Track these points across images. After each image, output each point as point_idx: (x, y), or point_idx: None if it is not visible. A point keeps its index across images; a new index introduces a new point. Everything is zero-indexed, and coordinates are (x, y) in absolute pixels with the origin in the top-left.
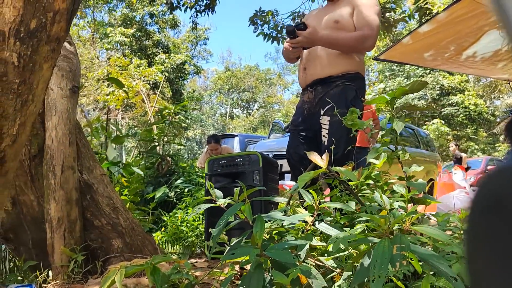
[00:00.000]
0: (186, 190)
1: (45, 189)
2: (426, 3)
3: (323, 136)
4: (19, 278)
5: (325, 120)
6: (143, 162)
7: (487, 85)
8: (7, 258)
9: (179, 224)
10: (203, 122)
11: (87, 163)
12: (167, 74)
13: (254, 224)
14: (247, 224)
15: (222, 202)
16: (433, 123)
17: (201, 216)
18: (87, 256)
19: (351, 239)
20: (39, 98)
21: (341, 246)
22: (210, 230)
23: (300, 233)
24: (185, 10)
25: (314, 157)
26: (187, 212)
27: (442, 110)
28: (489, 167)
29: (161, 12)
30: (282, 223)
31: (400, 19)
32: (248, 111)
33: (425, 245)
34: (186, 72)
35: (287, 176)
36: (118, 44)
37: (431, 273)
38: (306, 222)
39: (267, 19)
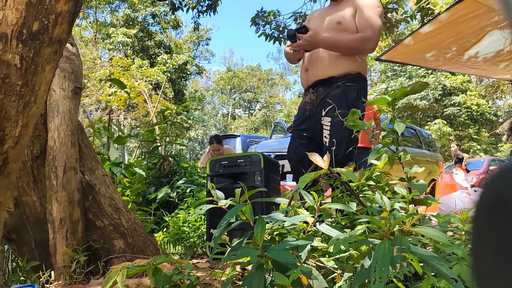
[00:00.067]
0: (188, 190)
1: (48, 190)
2: (428, 4)
3: (325, 137)
4: (22, 278)
5: (326, 121)
6: (145, 162)
7: (489, 85)
8: (10, 259)
9: (181, 224)
10: (205, 122)
11: (89, 164)
12: (169, 75)
13: (255, 225)
14: (248, 225)
15: (223, 203)
16: (435, 123)
17: (203, 217)
18: (89, 257)
19: (351, 240)
20: (41, 99)
21: (342, 247)
22: (211, 231)
23: (301, 234)
24: (187, 10)
25: (315, 158)
26: (189, 213)
27: (444, 110)
28: (491, 168)
29: (163, 13)
30: (283, 224)
31: (402, 19)
32: (250, 111)
33: (426, 246)
34: (188, 73)
35: (289, 177)
36: (120, 45)
37: (432, 274)
38: (307, 223)
39: (269, 20)
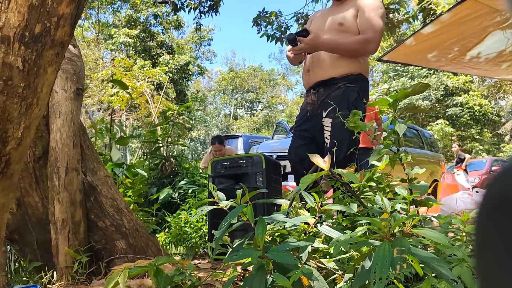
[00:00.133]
0: (190, 191)
1: (50, 190)
2: (430, 4)
3: (326, 138)
4: (24, 278)
5: (327, 122)
6: (147, 163)
7: (492, 85)
8: (12, 259)
9: (183, 225)
10: (207, 122)
11: (91, 164)
12: (171, 75)
13: (256, 226)
14: (249, 225)
15: (224, 204)
16: (437, 124)
17: (204, 217)
18: (91, 257)
19: (352, 242)
20: (43, 101)
21: (342, 248)
22: (213, 231)
23: (303, 235)
24: (189, 11)
25: (316, 159)
26: (191, 213)
27: (446, 110)
28: (493, 168)
29: (165, 13)
30: (284, 225)
31: (404, 20)
32: (252, 111)
33: (427, 247)
34: (190, 73)
35: (291, 177)
36: (123, 45)
37: (433, 275)
38: (308, 224)
39: (271, 20)
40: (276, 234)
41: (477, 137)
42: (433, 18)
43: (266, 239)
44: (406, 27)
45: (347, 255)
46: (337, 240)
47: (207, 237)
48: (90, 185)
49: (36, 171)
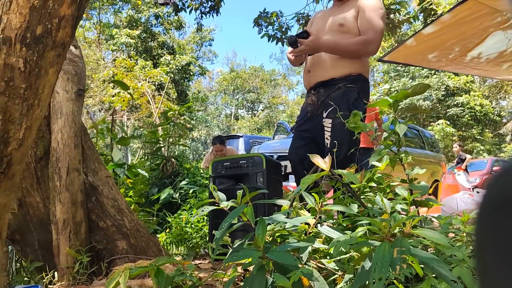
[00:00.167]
0: (191, 191)
1: (51, 191)
2: (431, 4)
3: (326, 138)
4: (26, 279)
5: (327, 123)
6: (148, 163)
7: (493, 85)
8: (14, 259)
9: (184, 225)
10: (208, 123)
11: (92, 165)
12: (172, 75)
13: (257, 227)
14: (250, 226)
15: (225, 205)
16: (438, 124)
17: (205, 217)
18: (92, 258)
19: (352, 242)
20: (45, 102)
21: (342, 249)
22: (213, 232)
23: (303, 235)
24: (190, 11)
25: (317, 159)
26: (192, 214)
27: (447, 110)
28: (494, 168)
29: (166, 14)
30: (285, 226)
31: (405, 20)
32: (253, 112)
33: (428, 247)
34: (191, 73)
35: (292, 177)
36: (124, 46)
37: (433, 275)
38: (308, 224)
39: (272, 21)
40: (277, 234)
41: (478, 137)
42: (434, 19)
43: (266, 240)
44: (407, 27)
45: (347, 255)
46: (337, 241)
47: (208, 237)
48: (91, 186)
49: (38, 172)
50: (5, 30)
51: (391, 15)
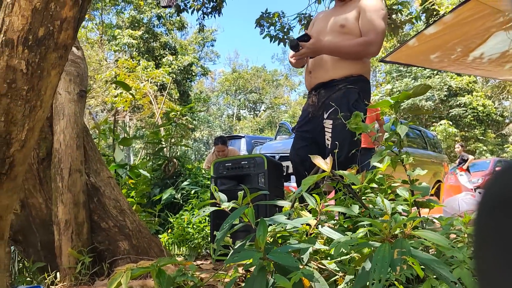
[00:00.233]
0: (193, 192)
1: (53, 192)
2: (433, 5)
3: (327, 139)
4: (28, 279)
5: (328, 124)
6: (150, 163)
7: (495, 85)
8: (16, 260)
9: (185, 226)
10: (210, 123)
11: (94, 166)
12: (174, 76)
13: (257, 228)
14: (251, 226)
15: (226, 205)
16: (440, 124)
17: (207, 218)
18: (94, 258)
19: (353, 243)
20: (47, 103)
21: (343, 250)
22: (215, 232)
23: (304, 236)
24: (192, 12)
25: (318, 160)
26: (193, 214)
27: (449, 111)
28: (497, 169)
29: (169, 14)
30: (286, 227)
31: (407, 20)
32: (255, 112)
33: (429, 249)
34: (193, 74)
35: (293, 178)
36: (126, 46)
37: (434, 277)
38: (309, 225)
39: (274, 21)
40: (278, 235)
41: (481, 137)
42: (436, 19)
43: (267, 241)
44: (409, 28)
45: (348, 256)
46: (338, 242)
47: (209, 238)
48: (93, 186)
49: (40, 173)
50: (8, 33)
51: (393, 16)
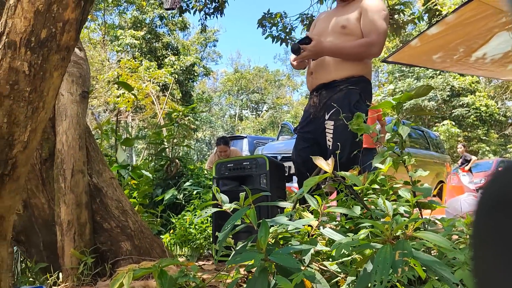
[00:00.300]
0: (195, 192)
1: (56, 192)
2: (436, 5)
3: (328, 140)
4: (31, 279)
5: (329, 125)
6: (152, 164)
7: (498, 86)
8: (19, 260)
9: (188, 226)
10: (212, 123)
11: (97, 166)
12: (176, 76)
13: (259, 229)
14: (253, 227)
15: (228, 207)
16: (443, 125)
17: (209, 218)
18: (96, 259)
19: (354, 245)
20: (49, 105)
21: (345, 251)
22: (216, 233)
23: (306, 237)
24: (194, 13)
25: (320, 161)
26: (196, 215)
27: (452, 111)
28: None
29: (171, 15)
30: (287, 228)
31: (409, 20)
32: (257, 112)
33: (431, 250)
34: (196, 74)
35: (295, 178)
36: (128, 46)
37: (436, 278)
38: (311, 226)
39: (276, 21)
40: (279, 236)
41: (484, 138)
42: (439, 19)
43: (269, 242)
44: (411, 28)
45: (350, 258)
46: (340, 243)
47: (211, 239)
48: (95, 187)
49: (43, 173)
50: (10, 34)
51: (396, 16)
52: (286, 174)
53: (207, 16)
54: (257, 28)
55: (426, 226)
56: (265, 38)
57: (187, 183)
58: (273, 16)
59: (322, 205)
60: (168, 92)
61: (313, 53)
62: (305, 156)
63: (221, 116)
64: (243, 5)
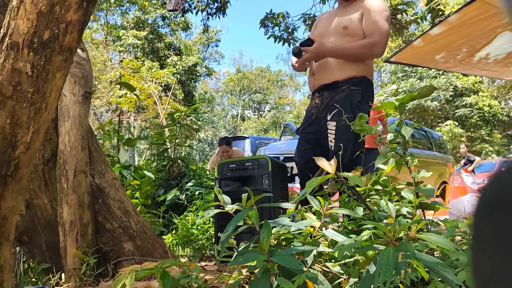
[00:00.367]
0: (197, 193)
1: (58, 193)
2: (439, 5)
3: (330, 141)
4: (33, 280)
5: (331, 125)
6: (154, 164)
7: (501, 86)
8: (22, 260)
9: (190, 227)
10: (214, 123)
11: (99, 167)
12: (178, 76)
13: (261, 230)
14: (256, 228)
15: (230, 208)
16: (446, 125)
17: (211, 219)
18: (98, 259)
19: (356, 246)
20: (52, 106)
21: (347, 253)
22: (219, 234)
23: (308, 238)
24: (196, 13)
25: (322, 162)
26: (198, 215)
27: (455, 111)
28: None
29: (173, 15)
30: (290, 229)
31: (412, 20)
32: (260, 112)
33: (434, 251)
34: (198, 74)
35: (298, 179)
36: (131, 47)
37: (439, 279)
38: (314, 227)
39: (278, 22)
40: (282, 237)
41: (487, 138)
42: (442, 19)
43: (271, 243)
44: (414, 28)
45: (352, 259)
46: (342, 244)
47: (214, 239)
48: (98, 188)
49: (45, 174)
50: (13, 35)
51: (398, 16)
52: (289, 175)
53: (209, 16)
54: (260, 28)
55: (429, 227)
56: (268, 38)
57: (189, 184)
58: (276, 16)
59: (324, 206)
60: (170, 92)
61: (315, 55)
62: (307, 157)
63: (223, 116)
64: (245, 5)
